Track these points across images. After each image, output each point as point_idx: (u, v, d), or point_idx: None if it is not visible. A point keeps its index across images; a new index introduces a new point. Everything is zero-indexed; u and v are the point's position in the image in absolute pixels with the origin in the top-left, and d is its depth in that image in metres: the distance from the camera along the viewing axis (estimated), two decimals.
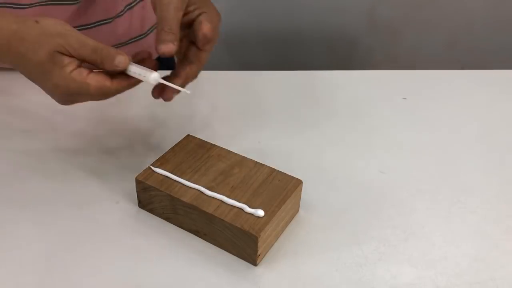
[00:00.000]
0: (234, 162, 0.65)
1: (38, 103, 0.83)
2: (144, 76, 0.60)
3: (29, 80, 0.87)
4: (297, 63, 1.87)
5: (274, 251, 0.61)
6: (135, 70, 0.61)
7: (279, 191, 0.61)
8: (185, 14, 0.64)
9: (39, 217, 0.64)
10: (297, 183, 0.63)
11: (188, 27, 0.65)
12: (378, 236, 0.64)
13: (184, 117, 0.81)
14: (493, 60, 1.79)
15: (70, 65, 0.59)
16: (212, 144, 0.68)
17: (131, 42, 0.98)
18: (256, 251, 0.57)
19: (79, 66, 0.60)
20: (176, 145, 0.68)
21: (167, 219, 0.63)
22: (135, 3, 0.96)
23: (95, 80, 0.59)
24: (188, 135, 0.70)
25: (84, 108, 0.81)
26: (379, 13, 1.77)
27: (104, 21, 0.91)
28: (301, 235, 0.63)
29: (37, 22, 0.60)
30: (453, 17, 1.79)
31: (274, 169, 0.65)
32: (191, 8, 0.64)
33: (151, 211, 0.64)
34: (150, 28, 1.01)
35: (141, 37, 1.00)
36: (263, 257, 0.60)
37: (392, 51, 1.85)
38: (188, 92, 0.62)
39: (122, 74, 0.61)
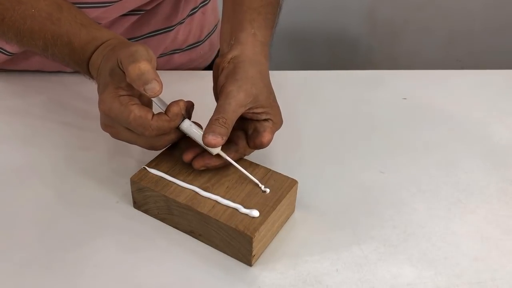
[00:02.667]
0: (229, 162, 0.64)
1: (38, 104, 0.83)
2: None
3: (28, 80, 0.88)
4: (297, 63, 1.87)
5: (269, 252, 0.60)
6: (194, 130, 0.60)
7: (274, 191, 0.61)
8: (250, 112, 0.63)
9: (39, 217, 0.64)
10: (292, 183, 0.62)
11: (246, 120, 0.64)
12: (378, 236, 0.63)
13: None
14: (493, 60, 1.79)
15: (124, 90, 0.58)
16: None
17: (188, 49, 0.98)
18: (251, 252, 0.57)
19: (135, 95, 0.59)
20: (171, 145, 0.67)
21: (162, 219, 0.63)
22: (197, 9, 0.96)
23: (138, 109, 0.57)
24: None
25: (82, 108, 0.81)
26: (379, 13, 1.78)
27: (166, 29, 0.91)
28: (297, 235, 0.63)
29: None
30: (453, 18, 1.79)
31: (270, 169, 0.64)
32: (258, 110, 0.63)
33: (146, 211, 0.64)
34: (207, 35, 1.01)
35: (198, 44, 1.00)
36: (258, 257, 0.59)
37: (392, 51, 1.86)
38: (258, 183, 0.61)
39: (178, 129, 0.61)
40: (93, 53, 0.64)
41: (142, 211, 0.64)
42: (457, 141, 0.80)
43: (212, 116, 0.60)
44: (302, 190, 0.65)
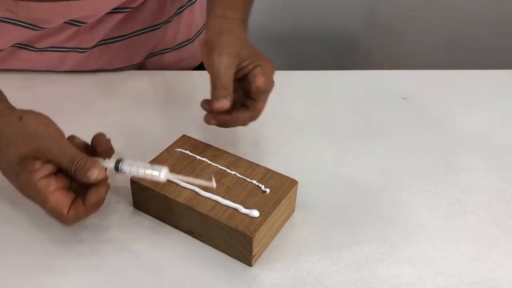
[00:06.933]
0: (229, 163, 0.64)
1: (28, 104, 0.82)
2: (152, 175, 0.58)
3: (17, 80, 0.87)
4: (297, 63, 1.87)
5: (269, 252, 0.60)
6: (146, 172, 0.58)
7: (274, 191, 0.61)
8: (239, 69, 0.66)
9: (38, 216, 0.63)
10: (292, 183, 0.62)
11: (243, 80, 0.67)
12: (378, 236, 0.63)
13: (180, 117, 0.81)
14: (493, 60, 1.79)
15: (40, 171, 0.56)
16: (208, 145, 0.67)
17: (177, 48, 0.99)
18: (251, 252, 0.57)
19: (51, 174, 0.57)
20: (171, 145, 0.67)
21: (162, 219, 0.63)
22: (184, 8, 0.96)
23: (54, 200, 0.56)
24: (184, 135, 0.69)
25: (81, 110, 0.81)
26: (379, 13, 1.77)
27: (153, 27, 0.91)
28: (297, 235, 0.63)
29: (20, 119, 0.58)
30: (453, 17, 1.79)
31: (270, 170, 0.64)
32: (244, 64, 0.66)
33: (146, 211, 0.64)
34: (197, 33, 1.02)
35: (187, 42, 1.00)
36: (258, 257, 0.59)
37: (392, 51, 1.85)
38: (214, 185, 0.59)
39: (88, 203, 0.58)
40: None
41: (142, 211, 0.64)
42: (457, 141, 0.80)
43: (211, 86, 0.64)
44: (302, 190, 0.65)
